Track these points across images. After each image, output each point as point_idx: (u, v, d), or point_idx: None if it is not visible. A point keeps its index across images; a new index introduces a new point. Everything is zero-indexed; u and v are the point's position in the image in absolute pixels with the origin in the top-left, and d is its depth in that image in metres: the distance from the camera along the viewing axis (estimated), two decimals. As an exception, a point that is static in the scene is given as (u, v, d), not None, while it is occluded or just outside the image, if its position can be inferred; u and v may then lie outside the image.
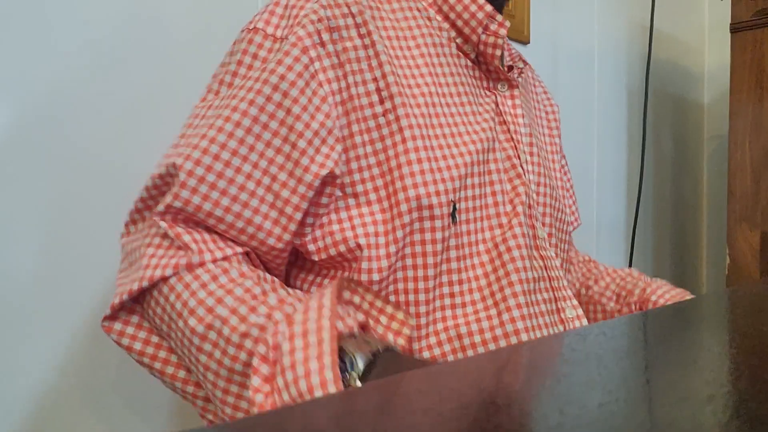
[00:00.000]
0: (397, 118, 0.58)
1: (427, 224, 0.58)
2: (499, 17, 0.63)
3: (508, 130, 0.66)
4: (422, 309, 0.59)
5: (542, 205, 0.69)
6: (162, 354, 0.56)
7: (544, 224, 0.68)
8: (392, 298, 0.59)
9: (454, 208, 0.59)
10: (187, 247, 0.54)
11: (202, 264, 0.54)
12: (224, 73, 0.59)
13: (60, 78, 0.78)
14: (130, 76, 0.83)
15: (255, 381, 0.47)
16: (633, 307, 0.76)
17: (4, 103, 0.74)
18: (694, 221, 2.11)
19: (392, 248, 0.57)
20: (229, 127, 0.55)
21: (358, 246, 0.57)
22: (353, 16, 0.59)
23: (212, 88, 0.60)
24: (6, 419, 0.74)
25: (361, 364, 0.50)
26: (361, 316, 0.52)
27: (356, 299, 0.55)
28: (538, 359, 0.33)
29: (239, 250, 0.56)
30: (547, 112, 0.82)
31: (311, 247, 0.59)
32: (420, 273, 0.58)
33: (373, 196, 0.59)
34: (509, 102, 0.68)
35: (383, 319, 0.55)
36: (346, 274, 0.59)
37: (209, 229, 0.56)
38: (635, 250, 1.66)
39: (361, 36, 0.59)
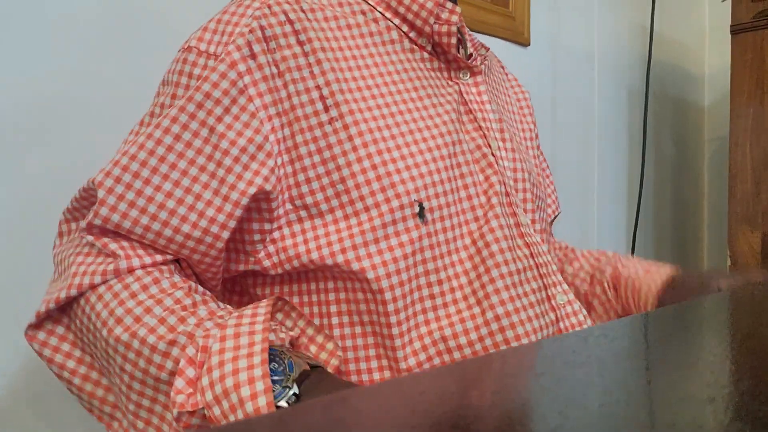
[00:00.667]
0: (346, 126, 0.56)
1: (390, 229, 0.56)
2: (449, 5, 0.61)
3: (475, 118, 0.64)
4: (402, 315, 0.56)
5: (522, 191, 0.66)
6: (82, 370, 0.55)
7: (526, 210, 0.66)
8: (364, 306, 0.58)
9: (421, 208, 0.57)
10: (114, 254, 0.53)
11: (131, 270, 0.53)
12: (165, 95, 0.58)
13: (52, 76, 0.78)
14: (128, 73, 0.83)
15: (178, 383, 0.46)
16: (606, 285, 0.74)
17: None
18: (694, 223, 2.11)
19: (351, 255, 0.56)
20: (150, 144, 0.54)
21: (311, 261, 0.56)
22: (291, 23, 0.57)
23: (154, 111, 0.59)
24: None
25: (297, 370, 0.49)
26: (293, 332, 0.52)
27: (288, 323, 0.55)
28: (539, 361, 0.33)
29: (169, 257, 0.55)
30: (519, 99, 0.80)
31: (266, 263, 0.57)
32: (395, 279, 0.56)
33: (324, 207, 0.57)
34: (473, 89, 0.66)
35: (313, 348, 0.54)
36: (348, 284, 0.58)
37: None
38: (636, 252, 1.66)
39: (300, 43, 0.57)
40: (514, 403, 0.26)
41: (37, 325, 0.55)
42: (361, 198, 0.56)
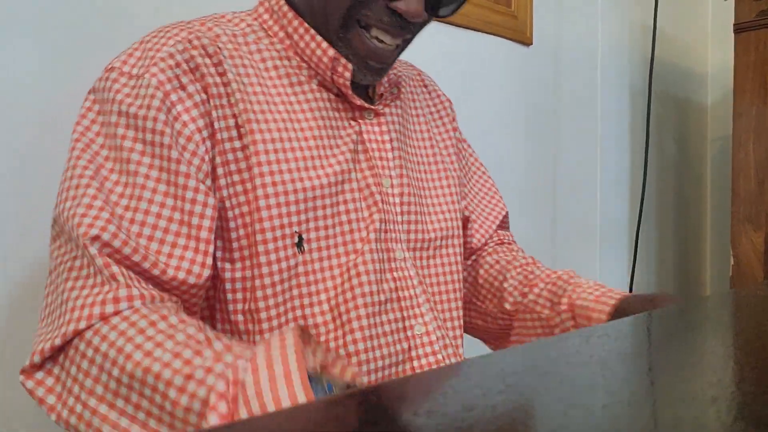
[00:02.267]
0: (248, 156, 0.61)
1: (273, 256, 0.61)
2: (343, 60, 0.66)
3: (371, 157, 0.69)
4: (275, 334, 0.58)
5: (408, 223, 0.72)
6: (70, 413, 0.53)
7: (407, 241, 0.72)
8: (241, 317, 0.62)
9: (300, 239, 0.63)
10: (115, 278, 0.53)
11: (130, 300, 0.53)
12: (106, 116, 0.60)
13: (54, 76, 0.78)
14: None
15: (212, 418, 0.44)
16: (564, 316, 0.75)
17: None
18: (697, 223, 2.11)
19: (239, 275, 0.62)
20: (137, 192, 0.57)
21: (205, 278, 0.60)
22: (210, 57, 0.62)
23: (91, 137, 0.60)
24: None
25: (337, 391, 0.48)
26: (321, 356, 0.51)
27: (309, 350, 0.54)
28: (542, 361, 0.33)
29: (165, 295, 0.56)
30: (441, 116, 0.84)
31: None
32: (271, 302, 0.61)
33: (234, 224, 0.62)
34: (376, 129, 0.71)
35: (336, 372, 0.53)
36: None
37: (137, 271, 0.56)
38: (638, 253, 1.66)
39: (219, 74, 0.62)
40: (517, 403, 0.26)
41: (30, 371, 0.54)
42: (252, 223, 0.61)
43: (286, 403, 0.43)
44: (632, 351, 0.36)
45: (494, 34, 1.38)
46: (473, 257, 0.88)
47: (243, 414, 0.44)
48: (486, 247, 0.88)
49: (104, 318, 0.52)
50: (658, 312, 0.56)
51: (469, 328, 0.88)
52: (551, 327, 0.77)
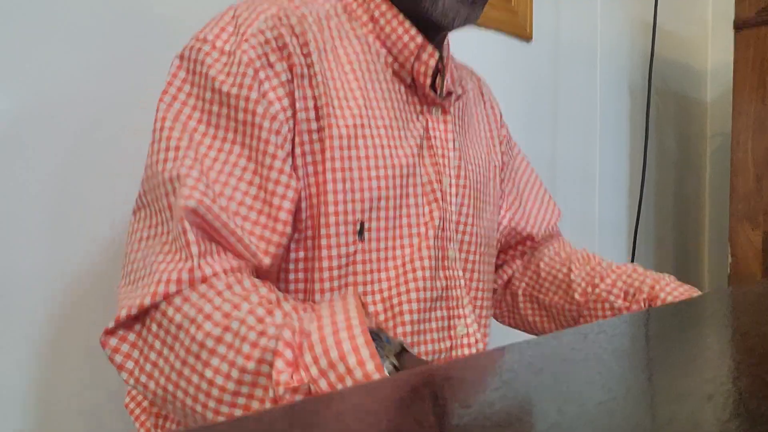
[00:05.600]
0: (322, 139, 0.62)
1: (333, 240, 0.62)
2: (430, 48, 0.67)
3: (435, 154, 0.70)
4: None
5: (463, 224, 0.73)
6: (150, 374, 0.55)
7: (460, 242, 0.73)
8: (302, 296, 0.63)
9: (362, 227, 0.63)
10: (200, 251, 0.55)
11: (215, 274, 0.55)
12: (197, 88, 0.61)
13: (63, 74, 0.78)
14: (132, 73, 0.83)
15: (279, 364, 0.47)
16: (642, 305, 0.77)
17: (5, 98, 0.75)
18: (696, 220, 2.11)
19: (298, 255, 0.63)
20: (218, 163, 0.58)
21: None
22: (297, 36, 0.62)
23: (201, 118, 0.61)
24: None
25: (395, 345, 0.52)
26: (376, 320, 0.53)
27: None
28: (538, 358, 0.33)
29: (243, 264, 0.58)
30: (490, 124, 0.85)
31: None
32: (327, 285, 0.62)
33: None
34: (441, 126, 0.72)
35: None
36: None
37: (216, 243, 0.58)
38: (637, 249, 1.66)
39: (304, 55, 0.62)
40: (513, 399, 0.26)
41: (112, 330, 0.55)
42: (319, 204, 0.62)
43: (347, 348, 0.46)
44: (629, 348, 0.36)
45: (494, 30, 1.38)
46: (528, 253, 0.90)
47: (307, 359, 0.47)
48: (540, 241, 0.90)
49: (189, 284, 0.54)
50: (655, 309, 0.56)
51: (527, 326, 0.90)
52: None
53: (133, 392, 0.66)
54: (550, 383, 0.29)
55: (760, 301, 0.50)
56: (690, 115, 2.07)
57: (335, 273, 0.63)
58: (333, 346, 0.47)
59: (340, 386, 0.46)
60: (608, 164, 1.73)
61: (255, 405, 0.50)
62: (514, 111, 1.47)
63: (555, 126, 1.57)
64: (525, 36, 1.46)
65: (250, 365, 0.49)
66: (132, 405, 0.66)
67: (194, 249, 0.54)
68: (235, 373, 0.50)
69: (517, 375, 0.30)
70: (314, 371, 0.47)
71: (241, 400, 0.50)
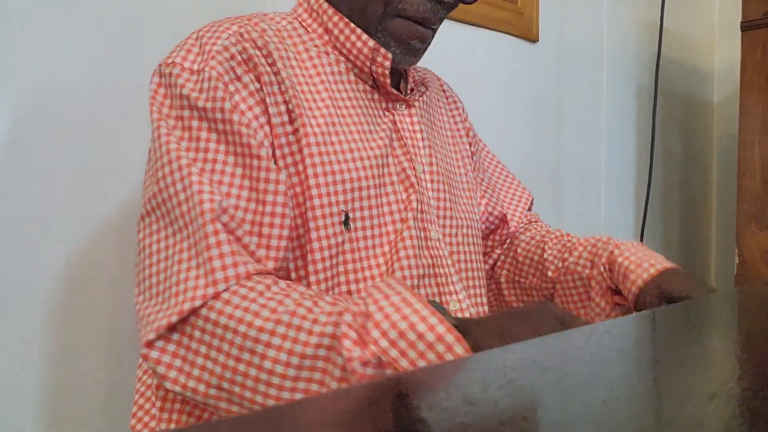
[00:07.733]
0: (299, 140, 0.65)
1: (322, 232, 0.65)
2: (383, 50, 0.71)
3: (405, 144, 0.75)
4: None
5: (442, 209, 0.77)
6: (196, 372, 0.56)
7: (441, 226, 0.76)
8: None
9: (347, 217, 0.67)
10: (226, 256, 0.56)
11: (248, 276, 0.57)
12: (174, 116, 0.64)
13: (63, 74, 0.79)
14: (134, 74, 0.84)
15: (346, 342, 0.49)
16: (602, 269, 0.79)
17: (8, 100, 0.75)
18: (703, 221, 2.11)
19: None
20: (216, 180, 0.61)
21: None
22: (260, 49, 0.66)
23: (175, 129, 0.63)
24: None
25: (451, 316, 0.53)
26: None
27: None
28: (543, 357, 0.34)
29: (265, 267, 0.60)
30: (453, 116, 0.90)
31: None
32: (321, 276, 0.65)
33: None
34: (408, 119, 0.77)
35: None
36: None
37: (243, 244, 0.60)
38: (643, 250, 1.66)
39: (269, 64, 0.66)
40: (517, 398, 0.27)
41: (151, 342, 0.56)
42: (306, 199, 0.65)
43: (415, 319, 0.49)
44: (633, 348, 0.37)
45: (500, 31, 1.38)
46: (508, 241, 0.94)
47: (375, 335, 0.49)
48: (519, 229, 0.94)
49: (226, 289, 0.56)
50: (661, 309, 0.56)
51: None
52: (591, 287, 0.81)
53: (167, 403, 0.66)
54: (555, 382, 0.29)
55: (765, 302, 0.50)
56: (697, 115, 2.06)
57: (327, 263, 0.66)
58: (400, 320, 0.49)
59: (411, 352, 0.48)
60: (614, 165, 1.73)
61: (314, 387, 0.52)
62: (521, 112, 1.47)
63: (561, 127, 1.57)
64: (531, 37, 1.46)
65: (309, 350, 0.52)
66: (139, 426, 0.66)
67: (225, 251, 0.56)
68: (294, 360, 0.52)
69: (522, 373, 0.30)
70: (384, 343, 0.49)
71: (301, 384, 0.52)
